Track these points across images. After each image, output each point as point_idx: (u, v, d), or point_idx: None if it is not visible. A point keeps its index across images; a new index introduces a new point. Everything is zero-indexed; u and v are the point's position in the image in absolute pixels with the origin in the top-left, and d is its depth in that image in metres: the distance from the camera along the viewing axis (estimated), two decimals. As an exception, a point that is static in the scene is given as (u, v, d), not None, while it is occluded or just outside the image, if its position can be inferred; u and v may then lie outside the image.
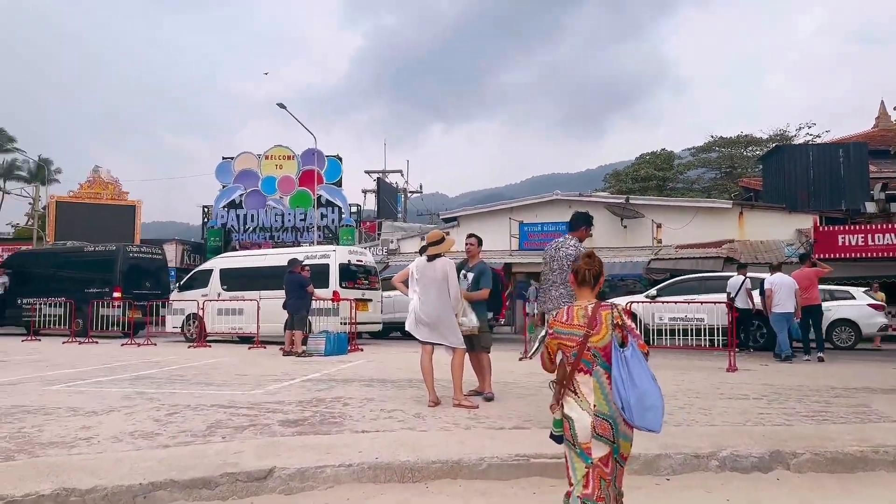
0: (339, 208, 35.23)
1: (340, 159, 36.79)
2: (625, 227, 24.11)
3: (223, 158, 37.53)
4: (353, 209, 36.80)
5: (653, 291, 15.80)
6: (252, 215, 35.96)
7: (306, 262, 14.28)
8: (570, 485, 3.00)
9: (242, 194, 36.39)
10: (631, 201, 24.50)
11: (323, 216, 35.26)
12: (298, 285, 12.56)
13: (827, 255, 18.01)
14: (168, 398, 6.64)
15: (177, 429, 5.18)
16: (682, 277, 16.68)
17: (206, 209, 37.23)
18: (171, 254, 33.56)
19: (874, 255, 18.70)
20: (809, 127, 45.12)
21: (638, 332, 3.09)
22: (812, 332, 12.41)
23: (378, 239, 29.91)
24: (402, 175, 41.78)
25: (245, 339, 15.76)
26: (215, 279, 16.58)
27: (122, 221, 35.13)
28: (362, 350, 13.57)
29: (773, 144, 37.86)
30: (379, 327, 16.49)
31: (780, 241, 22.25)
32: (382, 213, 35.39)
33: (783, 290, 11.89)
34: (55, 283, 18.99)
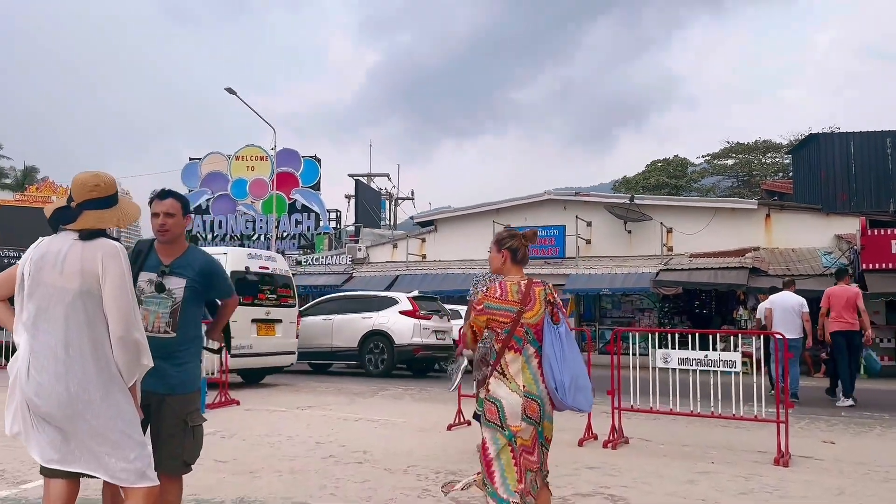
0: (317, 214, 31.90)
1: (318, 160, 33.54)
2: (629, 231, 20.29)
3: (190, 159, 34.27)
4: (333, 216, 33.51)
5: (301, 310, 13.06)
6: (220, 221, 32.71)
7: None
8: (486, 479, 2.90)
9: (210, 199, 33.11)
10: (637, 201, 20.65)
11: (298, 223, 32.05)
12: None
13: (877, 266, 15.48)
14: None
15: None
16: (326, 297, 15.25)
17: (170, 215, 33.83)
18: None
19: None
20: (833, 132, 40.91)
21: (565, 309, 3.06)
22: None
23: (344, 247, 26.18)
24: (390, 179, 38.31)
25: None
26: None
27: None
28: (238, 404, 8.76)
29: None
30: (293, 359, 11.86)
31: (817, 249, 18.44)
32: (362, 220, 31.83)
33: (783, 313, 9.62)
34: None
